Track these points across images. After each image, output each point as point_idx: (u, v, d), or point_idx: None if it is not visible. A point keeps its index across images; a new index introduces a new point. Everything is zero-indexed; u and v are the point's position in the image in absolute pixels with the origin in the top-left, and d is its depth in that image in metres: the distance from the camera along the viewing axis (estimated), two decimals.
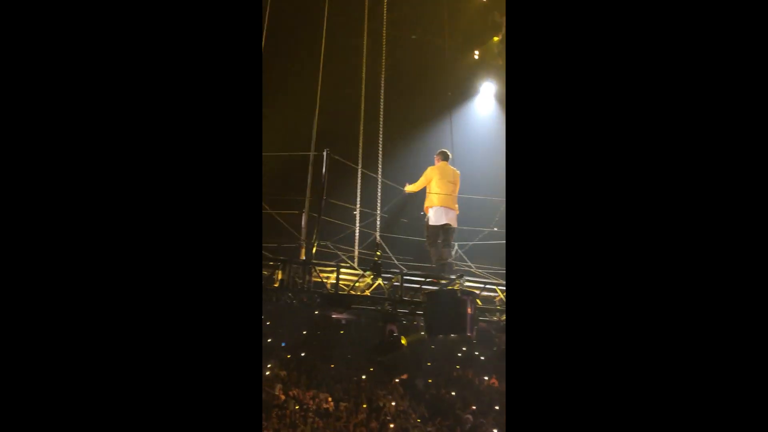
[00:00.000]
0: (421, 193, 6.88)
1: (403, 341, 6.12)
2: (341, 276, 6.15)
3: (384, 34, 6.88)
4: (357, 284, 6.31)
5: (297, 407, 10.12)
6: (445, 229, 6.64)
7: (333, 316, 7.06)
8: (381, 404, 10.54)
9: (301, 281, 6.03)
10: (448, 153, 7.05)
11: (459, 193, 6.87)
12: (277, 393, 10.56)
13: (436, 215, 6.63)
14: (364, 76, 6.72)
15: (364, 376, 11.23)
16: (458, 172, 6.90)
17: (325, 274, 6.16)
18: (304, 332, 11.96)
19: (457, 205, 6.77)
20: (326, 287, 6.14)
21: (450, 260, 6.60)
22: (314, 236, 6.01)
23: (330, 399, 10.55)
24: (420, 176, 6.84)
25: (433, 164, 6.89)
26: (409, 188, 6.94)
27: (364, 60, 6.81)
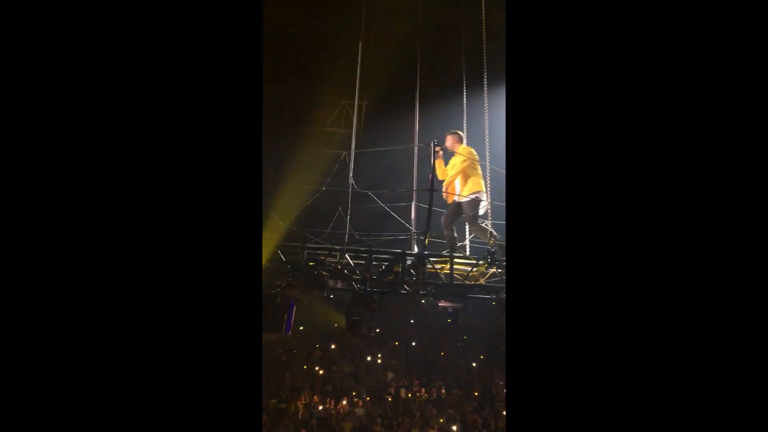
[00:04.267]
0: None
1: None
2: (455, 266, 6.16)
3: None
4: (471, 273, 6.30)
5: (409, 395, 10.30)
6: (474, 202, 6.12)
7: (440, 304, 7.06)
8: (494, 391, 10.50)
9: (415, 273, 6.11)
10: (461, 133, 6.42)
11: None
12: (389, 381, 10.81)
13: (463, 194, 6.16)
14: (464, 65, 6.67)
15: (474, 364, 11.23)
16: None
17: (439, 265, 6.22)
18: (411, 321, 12.14)
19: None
20: (440, 278, 6.19)
21: (495, 240, 6.02)
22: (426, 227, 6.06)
23: (443, 389, 10.62)
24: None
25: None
26: (441, 174, 6.33)
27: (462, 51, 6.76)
